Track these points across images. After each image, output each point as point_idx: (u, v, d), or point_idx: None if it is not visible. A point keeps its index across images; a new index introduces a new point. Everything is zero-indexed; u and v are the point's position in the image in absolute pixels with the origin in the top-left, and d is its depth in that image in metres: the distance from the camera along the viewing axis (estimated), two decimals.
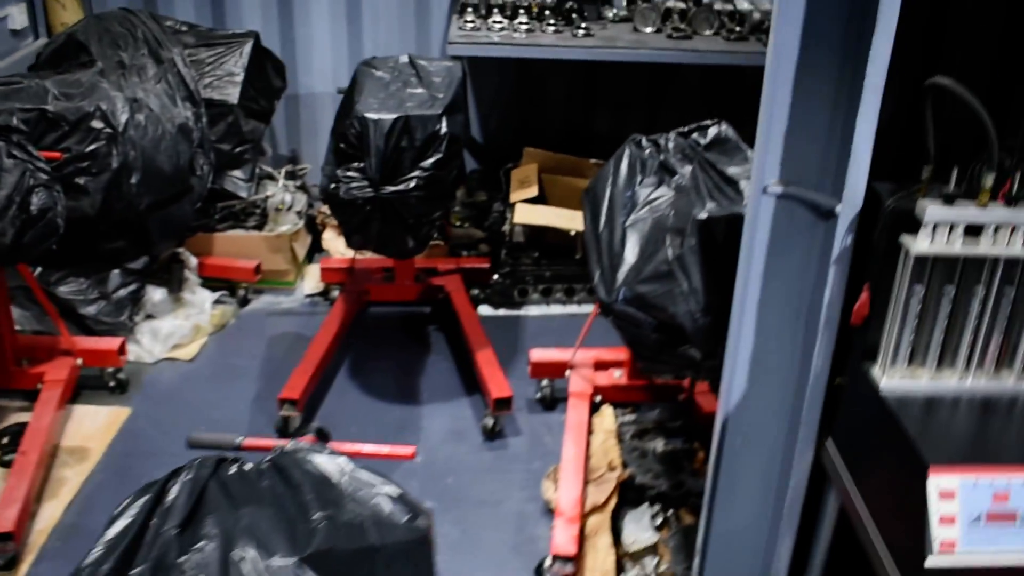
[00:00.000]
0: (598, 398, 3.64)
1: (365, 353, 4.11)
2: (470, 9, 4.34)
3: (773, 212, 2.10)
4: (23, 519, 3.05)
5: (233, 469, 1.77)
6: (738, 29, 4.19)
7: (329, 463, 1.75)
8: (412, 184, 3.24)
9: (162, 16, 4.37)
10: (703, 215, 2.55)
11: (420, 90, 3.42)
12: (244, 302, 4.40)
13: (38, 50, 4.19)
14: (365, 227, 3.39)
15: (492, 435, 3.61)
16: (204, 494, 1.67)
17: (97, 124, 3.64)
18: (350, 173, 3.26)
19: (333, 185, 3.28)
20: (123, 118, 3.70)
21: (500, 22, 4.25)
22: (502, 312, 4.40)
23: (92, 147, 3.65)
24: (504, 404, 3.59)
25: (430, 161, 3.26)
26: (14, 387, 3.71)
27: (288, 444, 1.83)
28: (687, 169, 2.73)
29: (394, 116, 3.21)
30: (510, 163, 4.66)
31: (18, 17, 4.33)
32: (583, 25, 4.23)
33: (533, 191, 4.34)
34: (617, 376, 3.68)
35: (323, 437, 2.17)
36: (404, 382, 3.94)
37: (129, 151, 3.72)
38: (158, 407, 3.76)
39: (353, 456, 2.13)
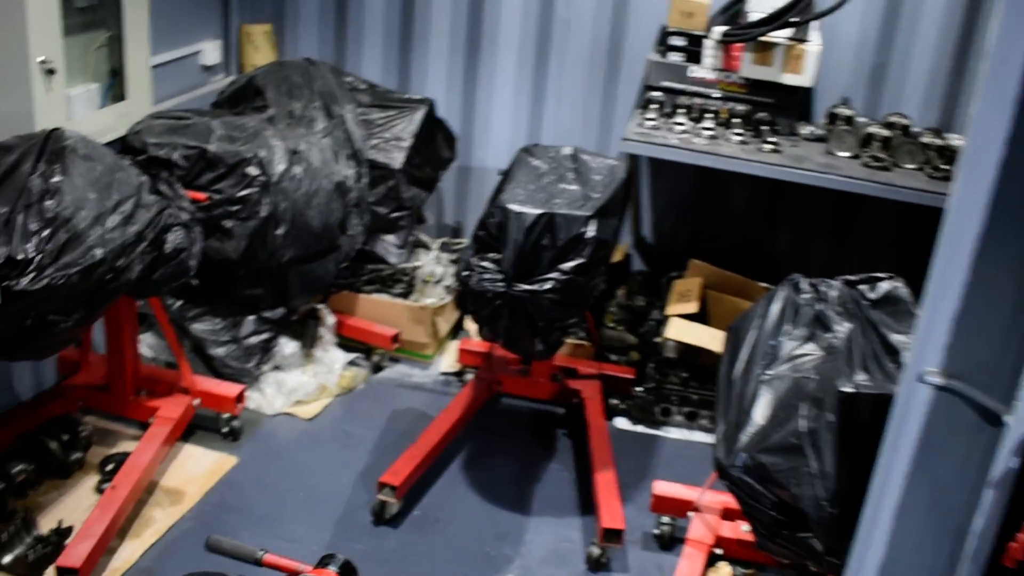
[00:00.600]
0: (719, 551, 3.25)
1: (486, 446, 3.88)
2: (654, 106, 4.09)
3: (929, 405, 1.75)
4: (95, 556, 2.96)
5: None
6: (945, 167, 3.76)
7: None
8: (547, 286, 3.01)
9: (344, 71, 4.34)
10: (848, 388, 2.19)
11: (575, 187, 3.19)
12: (377, 369, 4.26)
13: (223, 88, 4.24)
14: (494, 321, 3.17)
15: (596, 566, 3.29)
16: None
17: (252, 171, 3.61)
18: (485, 263, 3.06)
19: (466, 272, 3.09)
20: (279, 168, 3.66)
21: (683, 124, 3.97)
22: (639, 429, 4.08)
23: (244, 192, 3.62)
24: (614, 536, 3.26)
25: (570, 264, 3.02)
26: (129, 416, 3.69)
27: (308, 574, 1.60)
28: (844, 327, 2.37)
29: (538, 212, 3.00)
30: (674, 272, 4.36)
31: (211, 53, 4.41)
32: (772, 139, 3.90)
33: (693, 307, 4.02)
34: (745, 530, 3.28)
35: (347, 573, 1.93)
36: (518, 486, 3.67)
37: (280, 202, 3.66)
38: (265, 462, 3.65)
39: None
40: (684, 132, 3.92)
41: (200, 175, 3.63)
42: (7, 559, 2.98)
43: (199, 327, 3.88)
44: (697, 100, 4.08)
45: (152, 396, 3.67)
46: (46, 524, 3.15)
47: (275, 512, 3.40)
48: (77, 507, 3.21)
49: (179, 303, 3.90)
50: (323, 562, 1.90)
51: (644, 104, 4.14)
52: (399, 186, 4.10)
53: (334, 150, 3.87)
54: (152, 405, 3.61)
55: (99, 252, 2.81)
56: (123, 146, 3.67)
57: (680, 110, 4.06)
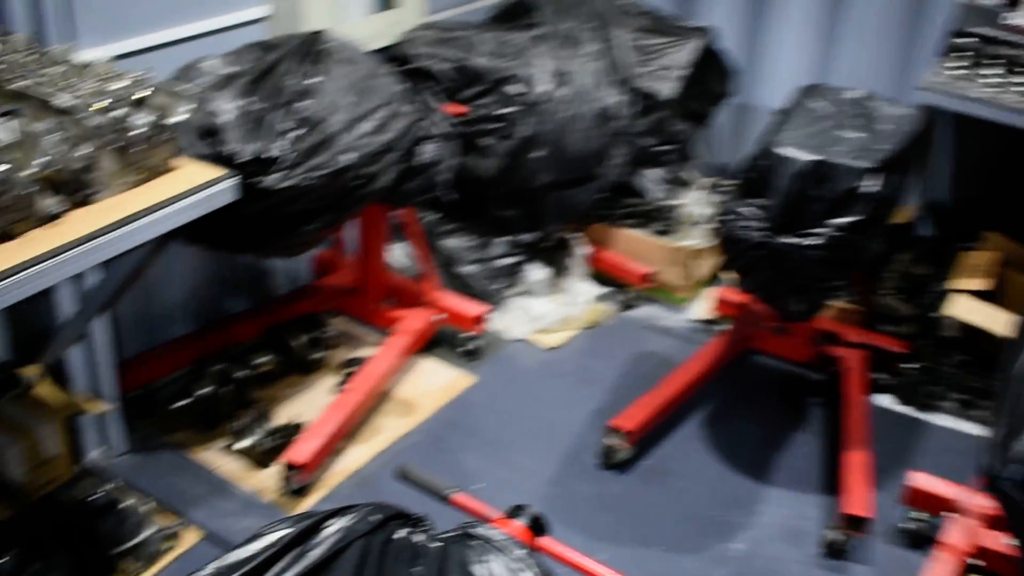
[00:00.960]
0: (975, 562, 2.85)
1: (729, 403, 3.62)
2: (960, 54, 3.57)
3: None
4: (322, 454, 3.02)
5: (401, 534, 1.45)
6: None
7: (506, 573, 1.38)
8: (814, 241, 2.69)
9: None
10: None
11: (859, 134, 2.82)
12: (626, 306, 4.08)
13: (499, 3, 4.11)
14: (750, 273, 2.90)
15: (832, 553, 2.99)
16: (342, 554, 1.36)
17: (514, 89, 3.49)
18: (746, 209, 2.78)
19: (726, 217, 2.82)
20: (542, 88, 3.51)
21: (992, 76, 3.45)
22: (903, 410, 3.66)
23: (504, 111, 3.51)
24: (857, 524, 2.94)
25: (844, 220, 2.68)
26: (373, 323, 3.73)
27: (485, 527, 1.47)
28: None
29: (812, 158, 2.67)
30: (967, 243, 3.85)
31: None
32: None
33: (984, 284, 3.54)
34: (1007, 544, 2.86)
35: (536, 528, 1.78)
36: (759, 451, 3.40)
37: (540, 123, 3.53)
38: (501, 387, 3.59)
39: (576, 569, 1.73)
40: (992, 86, 3.40)
41: (462, 89, 3.56)
42: (240, 445, 3.09)
43: (450, 243, 3.85)
44: (1011, 51, 3.52)
45: (397, 306, 3.69)
46: (281, 417, 3.24)
47: (503, 438, 3.34)
48: (312, 405, 3.27)
49: (434, 217, 3.88)
50: (513, 512, 1.77)
51: (948, 51, 3.63)
52: (667, 118, 3.85)
53: (601, 75, 3.66)
54: (395, 315, 3.62)
55: (348, 157, 2.79)
56: (390, 55, 3.64)
57: (990, 60, 3.52)
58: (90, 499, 2.57)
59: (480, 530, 1.48)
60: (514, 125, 3.53)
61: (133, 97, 2.06)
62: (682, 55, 3.84)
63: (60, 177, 2.01)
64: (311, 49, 2.94)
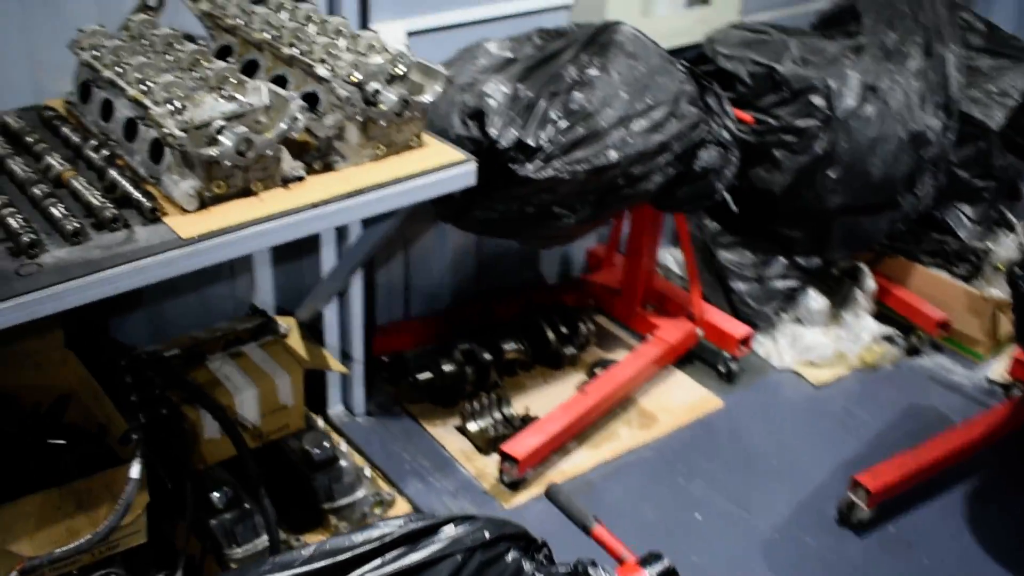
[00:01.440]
0: None
1: (1004, 479, 3.18)
2: None
3: None
4: (541, 452, 2.97)
5: (512, 556, 1.35)
6: None
7: None
8: None
9: (962, 5, 3.66)
10: None
11: None
12: (912, 351, 3.69)
13: (826, 8, 3.82)
14: None
15: None
16: (438, 563, 1.29)
17: (817, 101, 3.23)
18: None
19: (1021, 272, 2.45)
20: (848, 103, 3.23)
21: None
22: None
23: (802, 123, 3.26)
24: None
25: None
26: (632, 327, 3.62)
27: (604, 569, 1.34)
28: None
29: None
30: None
31: None
32: None
33: None
34: None
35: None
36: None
37: (840, 141, 3.25)
38: (751, 415, 3.37)
39: None
40: None
41: (762, 95, 3.34)
42: (472, 426, 3.10)
43: (726, 255, 3.65)
44: None
45: (658, 313, 3.56)
46: (518, 406, 3.21)
47: (740, 471, 3.13)
48: (553, 400, 3.21)
49: (714, 226, 3.69)
50: (646, 560, 1.61)
51: None
52: (992, 150, 3.42)
53: (921, 94, 3.30)
54: (654, 322, 3.49)
55: (614, 154, 2.68)
56: (691, 54, 3.48)
57: None
58: (313, 452, 2.66)
59: (597, 571, 1.35)
60: (812, 139, 3.27)
61: (389, 73, 2.07)
62: (1020, 80, 3.38)
63: (307, 143, 2.07)
64: (598, 40, 2.87)
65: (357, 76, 2.05)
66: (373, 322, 3.32)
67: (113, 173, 1.97)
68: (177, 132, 1.83)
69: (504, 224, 2.78)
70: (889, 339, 3.68)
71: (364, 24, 2.85)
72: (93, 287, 1.76)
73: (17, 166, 2.00)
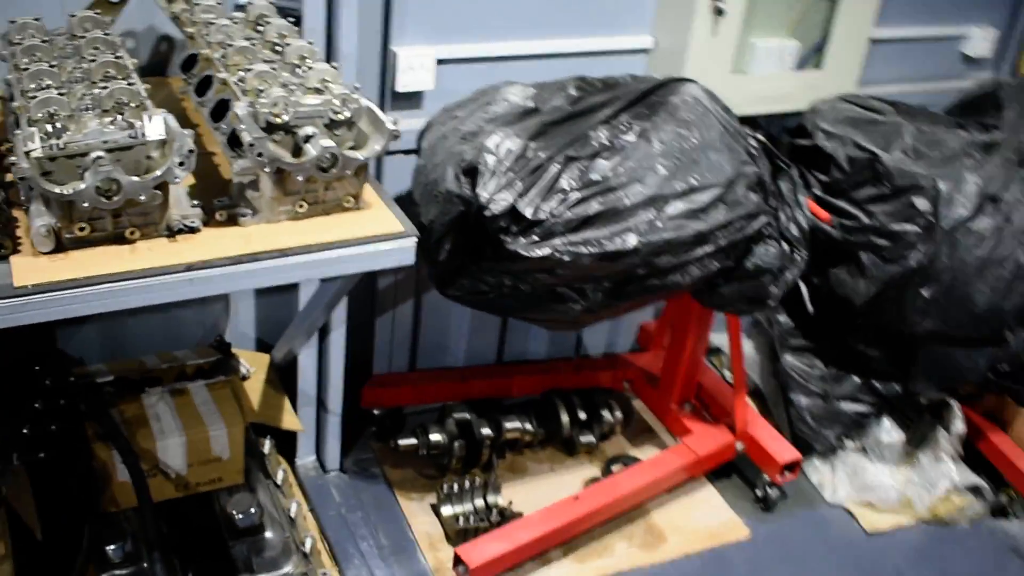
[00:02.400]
0: None
1: None
2: None
3: None
4: (504, 563, 2.58)
5: None
6: None
7: None
8: None
9: None
10: None
11: None
12: (999, 511, 3.09)
13: (968, 90, 3.23)
14: None
15: None
16: None
17: (920, 203, 2.71)
18: None
19: None
20: (959, 212, 2.69)
21: None
22: None
23: (898, 227, 2.76)
24: None
25: None
26: (665, 423, 3.16)
27: None
28: None
29: None
30: None
31: (979, 43, 3.39)
32: None
33: None
34: None
35: None
36: None
37: (941, 255, 2.71)
38: (779, 557, 2.85)
39: None
40: None
41: (859, 186, 2.83)
42: (446, 510, 2.72)
43: (792, 361, 3.13)
44: None
45: (697, 414, 3.08)
46: (512, 493, 2.82)
47: None
48: (553, 493, 2.79)
49: (787, 321, 3.18)
50: None
51: None
52: None
53: None
54: (688, 424, 3.02)
55: (633, 240, 2.24)
56: (782, 124, 2.99)
57: None
58: (236, 516, 2.35)
59: None
60: (908, 248, 2.74)
61: (329, 117, 1.72)
62: None
63: (230, 183, 1.74)
64: (650, 98, 2.43)
65: (281, 117, 1.70)
66: (368, 371, 2.99)
67: None
68: (24, 163, 1.53)
69: (497, 301, 2.38)
70: (974, 490, 3.08)
71: (385, 47, 2.51)
72: None
73: None
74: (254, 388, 2.58)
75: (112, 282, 1.58)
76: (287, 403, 2.60)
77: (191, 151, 1.62)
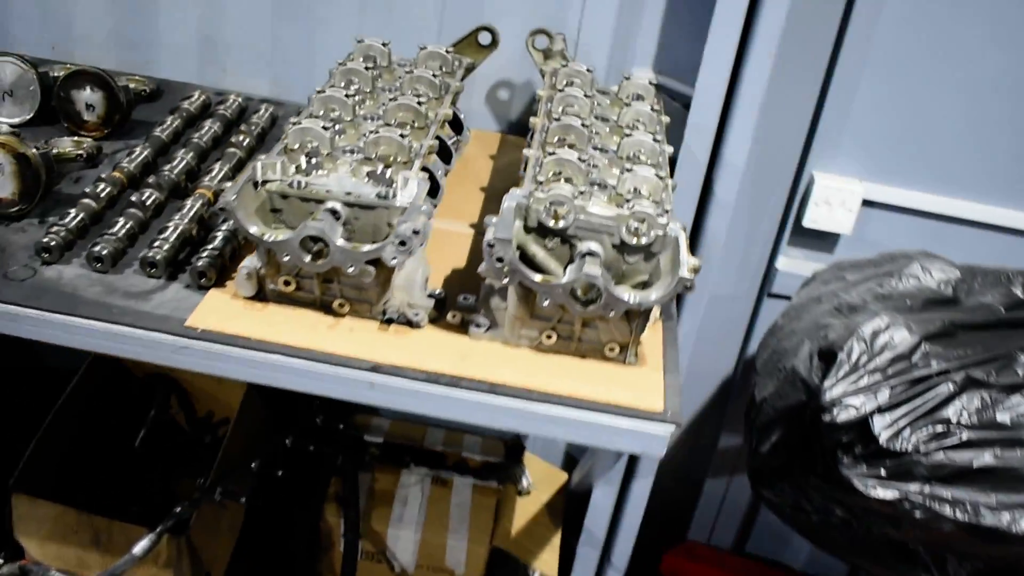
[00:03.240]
0: None
1: None
2: None
3: None
4: None
5: None
6: None
7: None
8: None
9: None
10: None
11: None
12: None
13: None
14: None
15: None
16: None
17: None
18: None
19: None
20: None
21: None
22: None
23: None
24: None
25: None
26: None
27: None
28: None
29: None
30: None
31: None
32: None
33: None
34: None
35: None
36: None
37: None
38: None
39: None
40: None
41: None
42: None
43: None
44: None
45: None
46: None
47: None
48: None
49: None
50: None
51: None
52: None
53: None
54: None
55: None
56: None
57: None
58: None
59: None
60: None
61: (621, 235, 1.30)
62: None
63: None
64: None
65: (561, 220, 1.32)
66: (681, 533, 2.49)
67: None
68: (231, 195, 1.30)
69: (821, 530, 1.77)
70: None
71: (800, 168, 2.00)
72: (34, 326, 1.34)
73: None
74: (528, 508, 2.21)
75: (279, 353, 1.31)
76: (556, 540, 2.19)
77: (416, 232, 1.29)
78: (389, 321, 1.38)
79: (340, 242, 1.30)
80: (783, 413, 1.71)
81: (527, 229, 1.35)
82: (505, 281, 1.31)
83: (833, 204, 2.01)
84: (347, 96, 1.52)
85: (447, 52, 1.77)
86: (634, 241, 1.34)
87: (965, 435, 1.56)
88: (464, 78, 1.82)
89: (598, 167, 1.48)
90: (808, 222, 2.03)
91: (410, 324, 1.38)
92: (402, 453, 2.20)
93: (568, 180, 1.40)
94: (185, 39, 2.07)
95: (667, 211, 1.35)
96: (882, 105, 1.93)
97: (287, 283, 1.37)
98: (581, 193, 1.35)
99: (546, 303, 1.31)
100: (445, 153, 1.69)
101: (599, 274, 1.28)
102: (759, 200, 2.03)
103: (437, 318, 1.41)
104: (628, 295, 1.30)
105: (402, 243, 1.29)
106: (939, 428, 1.56)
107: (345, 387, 1.32)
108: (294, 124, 1.41)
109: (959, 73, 1.88)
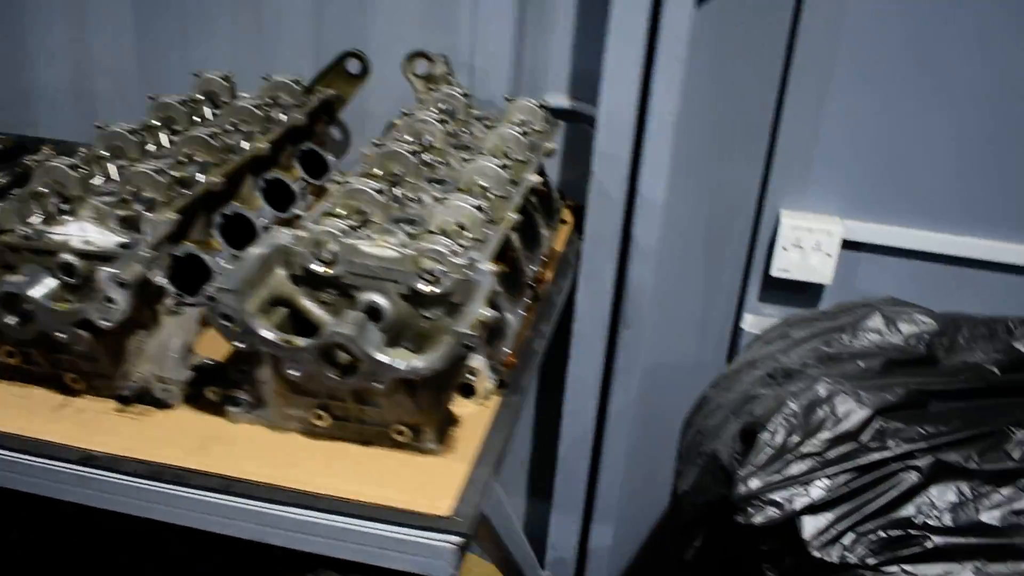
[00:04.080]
0: None
1: None
2: None
3: None
4: None
5: None
6: None
7: None
8: None
9: None
10: None
11: None
12: None
13: None
14: None
15: None
16: None
17: None
18: None
19: None
20: None
21: None
22: None
23: None
24: None
25: None
26: None
27: None
28: None
29: None
30: None
31: None
32: None
33: None
34: None
35: None
36: None
37: None
38: None
39: None
40: None
41: None
42: None
43: None
44: None
45: None
46: None
47: None
48: None
49: None
50: None
51: None
52: None
53: None
54: None
55: None
56: None
57: None
58: None
59: None
60: None
61: (410, 283, 0.99)
62: None
63: None
64: None
65: (332, 267, 1.02)
66: None
67: None
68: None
69: None
70: None
71: (760, 206, 1.63)
72: None
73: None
74: None
75: None
76: None
77: (123, 284, 1.01)
78: (127, 400, 1.10)
79: (44, 302, 1.03)
80: (703, 511, 1.33)
81: (295, 279, 1.06)
82: (242, 346, 1.01)
83: (806, 248, 1.63)
84: (131, 133, 1.27)
85: (294, 83, 1.50)
86: (428, 289, 1.02)
87: (933, 541, 1.15)
88: (329, 111, 1.55)
89: (420, 201, 1.18)
90: (777, 271, 1.65)
91: (156, 404, 1.10)
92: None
93: (362, 215, 1.10)
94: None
95: (465, 247, 1.04)
96: (858, 125, 1.56)
97: (10, 354, 1.11)
98: (355, 229, 1.05)
99: (297, 373, 1.01)
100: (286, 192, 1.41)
101: (350, 332, 0.97)
102: (714, 247, 1.66)
103: (197, 396, 1.11)
104: (393, 360, 0.97)
105: (108, 299, 1.01)
106: (895, 532, 1.16)
107: (51, 482, 1.03)
108: (37, 164, 1.17)
109: (941, 83, 1.50)
